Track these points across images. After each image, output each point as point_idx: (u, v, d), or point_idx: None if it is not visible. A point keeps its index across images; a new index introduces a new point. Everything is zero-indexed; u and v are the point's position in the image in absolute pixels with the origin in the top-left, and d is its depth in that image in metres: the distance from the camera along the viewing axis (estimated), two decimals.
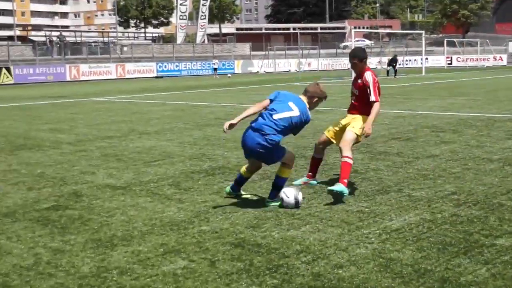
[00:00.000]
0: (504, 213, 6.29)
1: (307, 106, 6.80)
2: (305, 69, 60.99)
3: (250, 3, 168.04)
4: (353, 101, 7.53)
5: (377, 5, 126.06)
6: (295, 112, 6.62)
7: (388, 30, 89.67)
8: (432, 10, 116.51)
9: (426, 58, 62.20)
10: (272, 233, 5.73)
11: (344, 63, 60.19)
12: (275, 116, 6.53)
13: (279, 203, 6.68)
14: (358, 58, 7.37)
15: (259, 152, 6.57)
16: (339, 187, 6.80)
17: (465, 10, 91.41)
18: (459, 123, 14.15)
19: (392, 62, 43.22)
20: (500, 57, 66.66)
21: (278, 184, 6.75)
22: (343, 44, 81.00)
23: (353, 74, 7.66)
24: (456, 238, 5.46)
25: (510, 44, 70.48)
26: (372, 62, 59.93)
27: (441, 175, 8.27)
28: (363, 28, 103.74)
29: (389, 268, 4.74)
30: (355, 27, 76.07)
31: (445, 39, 66.66)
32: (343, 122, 7.59)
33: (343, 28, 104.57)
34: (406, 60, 64.92)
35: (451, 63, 65.11)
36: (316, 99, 6.94)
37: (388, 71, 42.98)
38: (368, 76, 7.31)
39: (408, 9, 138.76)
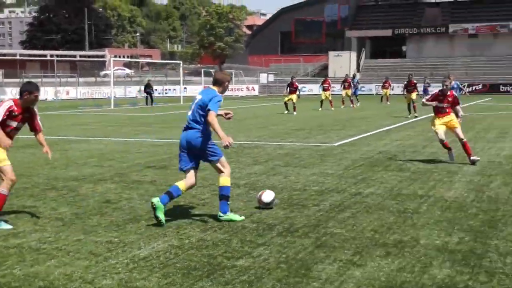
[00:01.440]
0: (246, 235, 6.69)
1: (217, 91, 7.44)
2: (63, 98, 59.10)
3: (3, 28, 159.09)
4: None
5: (138, 34, 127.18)
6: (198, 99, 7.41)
7: (148, 60, 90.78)
8: (190, 41, 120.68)
9: (185, 88, 63.90)
10: (13, 271, 5.44)
11: (105, 91, 59.52)
12: (189, 113, 7.46)
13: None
14: None
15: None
16: None
17: (221, 42, 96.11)
18: None
19: (147, 88, 43.55)
20: (253, 87, 70.93)
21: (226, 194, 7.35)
22: (103, 72, 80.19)
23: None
24: (201, 262, 5.68)
25: (261, 75, 75.42)
26: (132, 91, 60.09)
27: (191, 201, 8.55)
28: (124, 57, 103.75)
29: None
30: (115, 56, 75.79)
31: (203, 69, 69.35)
32: None
33: (103, 56, 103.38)
34: (166, 90, 66.14)
35: None
36: (227, 82, 7.67)
37: (146, 99, 43.24)
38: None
39: (168, 39, 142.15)
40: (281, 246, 6.23)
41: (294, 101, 30.31)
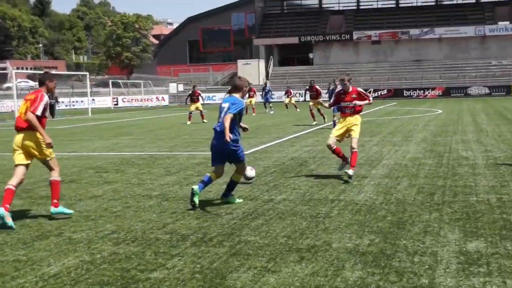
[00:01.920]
0: (160, 247, 6.62)
1: (239, 97, 8.66)
2: None
3: None
4: None
5: (40, 45, 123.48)
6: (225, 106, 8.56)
7: (53, 71, 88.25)
8: (97, 52, 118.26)
9: (93, 99, 62.75)
10: None
11: (8, 105, 57.34)
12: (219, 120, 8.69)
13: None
14: None
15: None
16: None
17: (128, 53, 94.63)
18: (122, 162, 14.53)
19: (50, 99, 42.53)
20: (163, 97, 70.31)
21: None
22: (5, 85, 77.35)
23: None
24: (113, 277, 5.57)
25: (171, 85, 74.92)
26: None
27: (103, 215, 8.38)
28: (27, 68, 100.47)
29: None
30: (17, 68, 73.13)
31: (110, 80, 68.20)
32: None
33: (4, 68, 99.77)
34: (73, 102, 64.59)
35: (117, 104, 66.63)
36: (245, 88, 8.78)
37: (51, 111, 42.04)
38: None
39: (73, 50, 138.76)
40: (196, 256, 6.21)
41: (201, 109, 30.66)
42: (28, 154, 7.96)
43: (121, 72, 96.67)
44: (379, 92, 63.33)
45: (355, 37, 74.53)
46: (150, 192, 10.10)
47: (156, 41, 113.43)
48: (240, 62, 77.46)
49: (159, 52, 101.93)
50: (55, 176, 8.20)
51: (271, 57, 77.56)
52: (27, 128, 7.85)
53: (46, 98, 7.96)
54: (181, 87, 73.90)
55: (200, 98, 31.13)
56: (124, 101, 68.16)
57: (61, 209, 8.17)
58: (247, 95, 37.85)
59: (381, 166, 12.52)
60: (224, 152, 8.64)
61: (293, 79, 71.19)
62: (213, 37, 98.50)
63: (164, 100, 70.22)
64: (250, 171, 10.32)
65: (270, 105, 39.61)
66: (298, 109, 39.30)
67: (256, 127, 25.56)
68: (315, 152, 15.48)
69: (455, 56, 71.41)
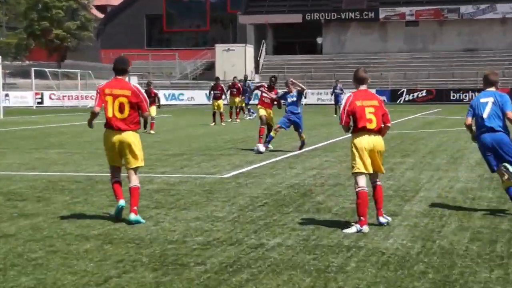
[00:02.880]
0: None
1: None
2: None
3: None
4: None
5: None
6: None
7: None
8: (14, 27, 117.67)
9: (7, 95, 62.53)
10: None
11: None
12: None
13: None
14: None
15: None
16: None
17: (60, 30, 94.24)
18: (48, 186, 14.40)
19: None
20: None
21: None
22: None
23: None
24: None
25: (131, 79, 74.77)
26: None
27: (15, 263, 8.26)
28: None
29: None
30: None
31: (33, 68, 67.86)
32: None
33: None
34: None
35: (42, 102, 66.45)
36: (499, 83, 11.79)
37: None
38: None
39: None
40: None
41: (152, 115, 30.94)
42: None
43: (49, 58, 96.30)
44: (415, 94, 63.78)
45: (381, 15, 75.00)
46: (87, 231, 9.98)
47: (100, 15, 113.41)
48: (219, 48, 77.75)
49: (104, 30, 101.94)
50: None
51: (263, 41, 77.98)
52: None
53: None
54: (134, 81, 73.88)
55: (156, 98, 31.01)
56: (52, 98, 68.07)
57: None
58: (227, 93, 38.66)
59: (418, 200, 12.48)
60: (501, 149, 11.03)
61: (293, 72, 71.38)
62: (181, 11, 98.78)
63: None
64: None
65: (249, 107, 39.82)
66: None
67: (239, 140, 25.50)
68: (323, 178, 15.44)
69: None
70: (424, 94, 63.60)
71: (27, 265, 8.21)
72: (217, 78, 37.87)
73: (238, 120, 37.59)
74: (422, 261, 8.29)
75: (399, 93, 63.17)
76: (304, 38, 79.39)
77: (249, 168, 17.27)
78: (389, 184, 13.91)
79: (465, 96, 62.52)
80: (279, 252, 8.75)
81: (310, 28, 78.03)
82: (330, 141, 24.94)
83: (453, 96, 63.06)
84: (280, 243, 9.26)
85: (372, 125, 10.07)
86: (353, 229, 9.88)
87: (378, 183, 10.40)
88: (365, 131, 10.07)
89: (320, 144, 23.69)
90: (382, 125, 10.23)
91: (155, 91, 32.07)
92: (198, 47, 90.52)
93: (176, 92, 69.03)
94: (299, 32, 78.74)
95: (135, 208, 10.55)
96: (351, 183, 14.32)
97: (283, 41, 79.87)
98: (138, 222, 10.46)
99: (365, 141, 10.04)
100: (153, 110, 30.18)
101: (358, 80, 10.34)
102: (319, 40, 79.33)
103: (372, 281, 7.47)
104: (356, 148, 10.06)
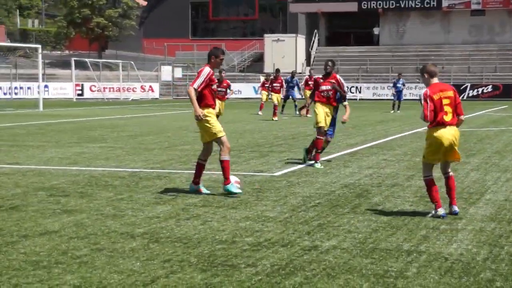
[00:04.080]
0: None
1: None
2: None
3: None
4: None
5: None
6: None
7: None
8: (54, 15, 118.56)
9: (46, 86, 63.13)
10: None
11: None
12: None
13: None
14: None
15: None
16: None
17: (101, 18, 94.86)
18: (91, 182, 14.57)
19: None
20: (151, 86, 70.52)
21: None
22: None
23: None
24: None
25: (164, 69, 74.34)
26: None
27: (60, 261, 8.39)
28: None
29: None
30: None
31: (73, 59, 68.21)
32: None
33: None
34: (15, 88, 65.02)
35: (82, 94, 66.96)
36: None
37: None
38: None
39: (18, 11, 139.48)
40: None
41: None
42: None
43: (89, 47, 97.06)
44: (480, 90, 63.19)
45: (444, 4, 74.46)
46: (132, 229, 10.10)
47: (143, 2, 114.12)
48: (268, 38, 77.73)
49: (147, 18, 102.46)
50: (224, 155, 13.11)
51: (316, 31, 77.77)
52: None
53: (206, 72, 12.93)
54: (178, 73, 74.06)
55: (228, 90, 29.49)
56: (93, 90, 68.51)
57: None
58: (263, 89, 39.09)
59: (484, 203, 12.43)
60: None
61: (348, 65, 71.20)
62: None
63: (153, 90, 70.48)
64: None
65: (296, 103, 39.66)
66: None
67: (289, 136, 25.52)
68: (380, 178, 15.41)
69: None
70: (489, 89, 62.99)
71: (72, 263, 8.35)
72: (278, 70, 38.67)
73: (275, 119, 36.04)
74: (489, 268, 8.27)
75: (462, 88, 62.49)
76: (359, 28, 79.07)
77: (301, 166, 17.29)
78: None
79: None
80: (334, 255, 8.78)
81: (366, 17, 77.69)
82: (388, 138, 24.86)
83: None
84: (335, 245, 9.29)
85: (448, 117, 11.01)
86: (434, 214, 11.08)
87: (450, 173, 11.50)
88: (442, 124, 11.01)
89: (377, 142, 23.61)
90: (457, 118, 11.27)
91: (228, 80, 29.90)
92: (246, 37, 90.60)
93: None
94: (354, 21, 78.44)
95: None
96: (410, 184, 14.38)
97: (336, 31, 79.61)
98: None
99: (444, 137, 11.03)
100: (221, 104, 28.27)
101: (430, 73, 11.10)
102: (375, 30, 78.96)
103: None
104: (433, 142, 11.11)
